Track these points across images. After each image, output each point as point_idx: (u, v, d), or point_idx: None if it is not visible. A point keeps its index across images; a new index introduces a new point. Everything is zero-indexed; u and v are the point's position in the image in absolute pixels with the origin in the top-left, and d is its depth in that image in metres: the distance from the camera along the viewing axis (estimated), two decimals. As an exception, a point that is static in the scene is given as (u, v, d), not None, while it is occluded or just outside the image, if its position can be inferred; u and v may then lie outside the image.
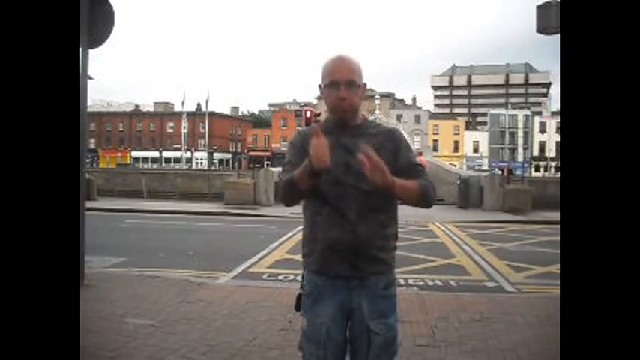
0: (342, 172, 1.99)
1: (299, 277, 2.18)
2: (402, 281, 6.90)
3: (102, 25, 6.00)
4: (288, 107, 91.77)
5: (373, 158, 1.83)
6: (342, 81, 2.02)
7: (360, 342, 2.04)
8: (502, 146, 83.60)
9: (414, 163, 2.09)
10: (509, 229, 13.38)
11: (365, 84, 2.11)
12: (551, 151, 77.86)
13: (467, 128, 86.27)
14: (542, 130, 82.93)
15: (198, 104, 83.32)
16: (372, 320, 2.03)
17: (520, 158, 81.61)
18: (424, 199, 2.03)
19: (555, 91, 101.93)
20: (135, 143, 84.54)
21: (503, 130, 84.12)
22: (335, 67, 2.06)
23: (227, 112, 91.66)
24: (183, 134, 72.00)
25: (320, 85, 2.11)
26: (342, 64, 2.06)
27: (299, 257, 2.19)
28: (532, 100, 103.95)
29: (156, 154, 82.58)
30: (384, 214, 2.06)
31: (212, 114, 77.81)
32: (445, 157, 67.52)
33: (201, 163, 77.74)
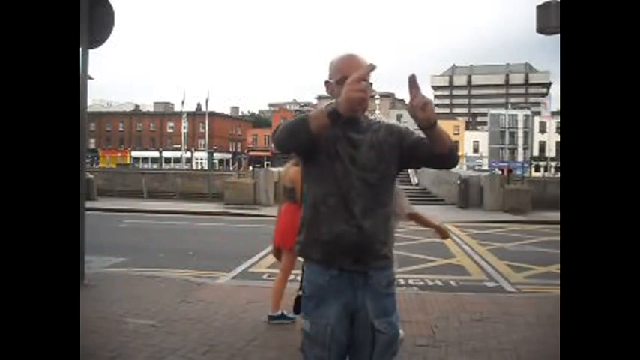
0: (348, 164, 1.99)
1: (299, 278, 2.16)
2: (402, 281, 6.90)
3: (102, 25, 6.00)
4: (288, 107, 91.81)
5: (420, 93, 1.82)
6: None
7: (365, 341, 2.03)
8: (502, 146, 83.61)
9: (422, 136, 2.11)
10: (509, 229, 13.39)
11: (371, 83, 2.11)
12: (551, 151, 77.81)
13: (467, 128, 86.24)
14: (542, 130, 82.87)
15: (198, 104, 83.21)
16: (377, 319, 2.03)
17: (520, 158, 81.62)
18: (451, 145, 2.01)
19: (555, 91, 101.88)
20: (135, 143, 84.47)
21: (503, 130, 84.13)
22: (348, 63, 2.05)
23: (227, 112, 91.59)
24: (183, 134, 71.82)
25: (327, 82, 2.11)
26: (356, 61, 2.05)
27: (299, 258, 2.15)
28: (532, 100, 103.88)
29: (156, 154, 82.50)
30: (387, 209, 2.07)
31: (212, 114, 77.64)
32: (445, 157, 67.31)
33: (201, 163, 77.64)
